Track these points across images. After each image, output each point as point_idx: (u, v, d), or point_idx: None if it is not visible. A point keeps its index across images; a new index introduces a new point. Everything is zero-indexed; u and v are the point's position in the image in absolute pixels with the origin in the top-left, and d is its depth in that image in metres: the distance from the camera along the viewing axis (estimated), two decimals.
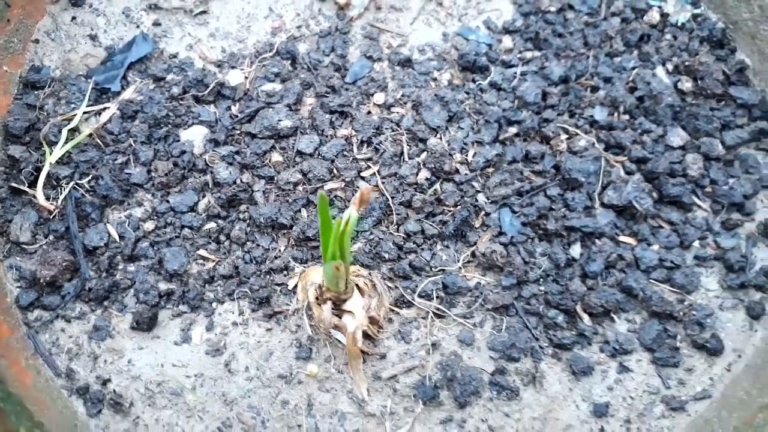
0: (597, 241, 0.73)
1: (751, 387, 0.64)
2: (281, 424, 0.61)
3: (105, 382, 0.63)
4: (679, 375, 0.68)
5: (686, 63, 0.85)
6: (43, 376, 0.62)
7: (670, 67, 0.85)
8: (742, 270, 0.73)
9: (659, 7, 0.89)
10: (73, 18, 0.83)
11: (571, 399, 0.65)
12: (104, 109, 0.78)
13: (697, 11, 0.89)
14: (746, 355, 0.68)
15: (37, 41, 0.81)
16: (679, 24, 0.88)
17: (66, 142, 0.74)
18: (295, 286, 0.68)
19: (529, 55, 0.84)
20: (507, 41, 0.85)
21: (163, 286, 0.68)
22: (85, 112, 0.77)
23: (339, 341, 0.64)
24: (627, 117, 0.81)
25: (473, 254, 0.72)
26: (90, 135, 0.76)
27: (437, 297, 0.69)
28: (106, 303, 0.67)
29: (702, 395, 0.67)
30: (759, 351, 0.67)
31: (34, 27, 0.82)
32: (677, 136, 0.80)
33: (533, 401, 0.64)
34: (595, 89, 0.82)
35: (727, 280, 0.73)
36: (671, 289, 0.72)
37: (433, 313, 0.68)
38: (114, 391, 0.62)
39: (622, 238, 0.74)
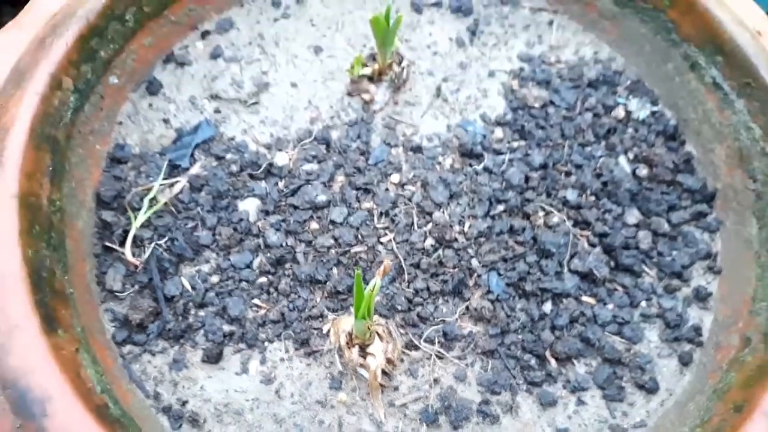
0: (564, 300, 0.91)
1: (676, 419, 0.82)
2: None
3: (183, 403, 0.81)
4: (623, 408, 0.85)
5: (644, 153, 1.03)
6: (137, 398, 0.80)
7: (630, 156, 1.03)
8: (677, 326, 0.91)
9: (624, 104, 1.08)
10: (150, 104, 1.01)
11: (539, 425, 0.83)
12: (176, 181, 0.96)
13: (656, 109, 1.07)
14: (676, 393, 0.86)
15: (120, 123, 0.99)
16: (640, 119, 1.06)
17: (147, 210, 0.93)
18: (329, 330, 0.87)
19: (515, 144, 1.02)
20: (498, 132, 1.03)
21: (226, 327, 0.86)
22: (161, 184, 0.95)
23: (363, 376, 0.82)
24: (593, 198, 0.99)
25: (467, 308, 0.90)
26: (165, 204, 0.94)
27: (438, 342, 0.88)
28: (181, 341, 0.85)
29: (640, 424, 0.84)
30: (685, 391, 0.86)
31: (118, 112, 1.00)
32: (633, 216, 0.98)
33: (510, 426, 0.83)
34: (568, 174, 1.00)
35: (665, 334, 0.91)
36: (621, 340, 0.89)
37: (435, 355, 0.87)
38: (191, 410, 0.80)
39: (584, 298, 0.90)
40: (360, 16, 1.09)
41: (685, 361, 0.87)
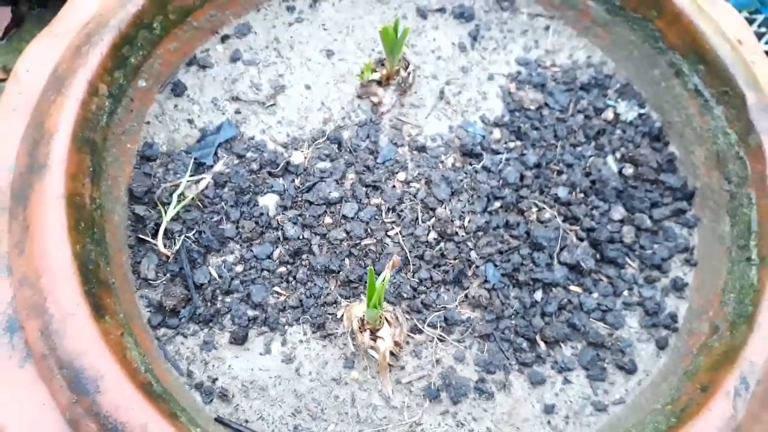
0: (553, 289, 1.00)
1: (651, 397, 0.92)
2: (334, 411, 0.90)
3: (214, 381, 0.91)
4: (605, 387, 0.96)
5: (630, 153, 1.12)
6: (173, 376, 0.90)
7: (618, 155, 1.12)
8: (656, 314, 1.01)
9: (614, 106, 1.16)
10: (175, 105, 1.09)
11: (529, 401, 0.93)
12: (202, 178, 1.05)
13: (643, 111, 1.15)
14: (652, 374, 0.96)
15: (148, 123, 1.07)
16: (627, 121, 1.15)
17: (176, 205, 1.02)
18: (342, 316, 0.96)
19: (512, 144, 1.10)
20: (497, 133, 1.11)
21: (250, 312, 0.96)
22: (188, 181, 1.04)
23: (373, 356, 0.92)
24: (582, 195, 1.08)
25: (466, 296, 1.00)
26: (192, 199, 1.03)
27: (440, 326, 0.98)
28: (210, 324, 0.95)
29: (619, 401, 0.95)
30: (660, 372, 0.96)
31: (146, 112, 1.08)
32: (618, 212, 1.07)
33: (503, 401, 0.93)
34: (560, 173, 1.09)
35: (644, 321, 1.01)
36: (604, 325, 0.99)
37: (437, 338, 0.97)
38: (221, 386, 0.90)
39: (571, 288, 1.00)
40: (369, 20, 1.16)
41: (661, 345, 0.97)
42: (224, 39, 1.13)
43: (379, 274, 0.95)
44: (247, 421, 0.87)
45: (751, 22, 1.60)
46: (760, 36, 1.69)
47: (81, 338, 0.78)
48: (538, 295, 0.99)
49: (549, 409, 0.91)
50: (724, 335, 0.88)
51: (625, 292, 1.00)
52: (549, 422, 0.91)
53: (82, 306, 0.79)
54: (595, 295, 0.99)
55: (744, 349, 0.82)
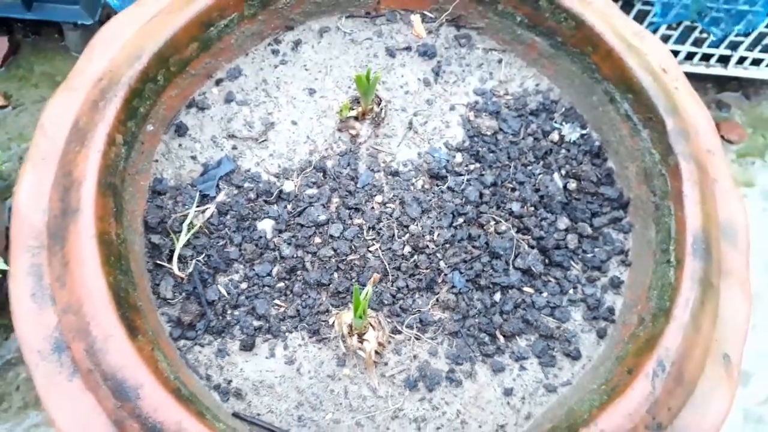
0: (510, 291, 1.18)
1: (591, 378, 1.10)
2: (330, 402, 1.07)
3: (229, 382, 1.08)
4: (554, 371, 1.14)
5: (573, 170, 1.30)
6: (195, 380, 1.07)
7: (563, 172, 1.29)
8: (596, 308, 1.19)
9: (559, 129, 1.34)
10: (179, 144, 1.25)
11: (491, 386, 1.12)
12: (207, 208, 1.20)
13: (584, 132, 1.33)
14: (593, 359, 1.15)
15: (157, 161, 1.23)
16: (571, 141, 1.33)
17: (187, 233, 1.18)
18: (333, 322, 1.14)
19: (472, 167, 1.27)
20: (459, 157, 1.28)
21: (255, 323, 1.12)
22: (195, 211, 1.21)
23: (361, 356, 1.10)
24: (532, 209, 1.25)
25: (437, 300, 1.17)
26: (200, 227, 1.20)
27: (416, 327, 1.15)
28: (223, 334, 1.12)
29: (566, 383, 1.13)
30: (599, 357, 1.14)
31: (154, 152, 1.23)
32: (563, 222, 1.25)
33: (470, 387, 1.11)
34: (513, 190, 1.27)
35: (587, 315, 1.19)
36: (553, 320, 1.17)
37: (414, 337, 1.15)
38: (235, 387, 1.07)
39: (525, 289, 1.17)
40: (345, 60, 1.32)
41: (600, 335, 1.16)
42: (218, 82, 1.29)
43: (363, 285, 1.13)
44: (258, 415, 1.05)
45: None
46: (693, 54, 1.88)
47: (120, 355, 0.95)
48: (497, 296, 1.16)
49: (508, 392, 1.10)
50: (648, 326, 1.07)
51: (571, 291, 1.18)
52: (509, 403, 1.10)
53: (119, 328, 0.96)
54: (545, 294, 1.17)
55: (662, 337, 1.01)
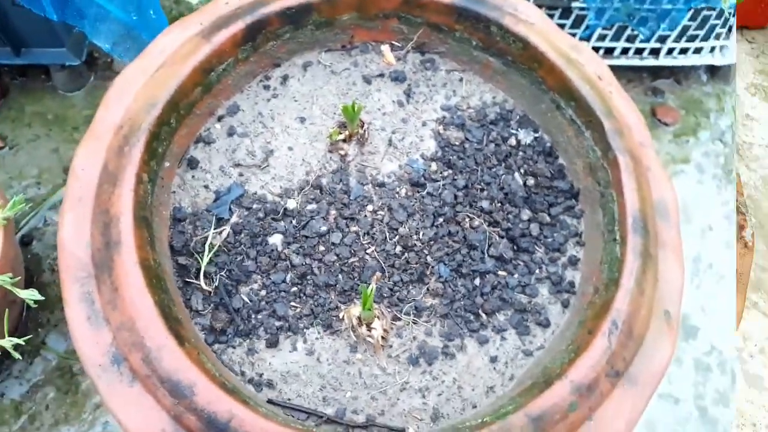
0: (487, 275, 1.39)
1: (560, 342, 1.31)
2: (348, 383, 1.27)
3: (260, 375, 1.27)
4: (530, 339, 1.36)
5: (531, 168, 1.52)
6: (233, 376, 1.27)
7: (522, 171, 1.51)
8: (559, 283, 1.41)
9: (516, 134, 1.56)
10: (192, 176, 1.43)
11: (479, 356, 1.33)
12: (223, 229, 1.39)
13: (537, 135, 1.55)
14: (560, 326, 1.37)
15: (174, 192, 1.40)
16: (526, 144, 1.55)
17: (209, 253, 1.37)
18: (343, 316, 1.34)
19: (445, 173, 1.47)
20: (434, 166, 1.49)
21: (277, 323, 1.31)
22: (213, 233, 1.39)
23: (370, 342, 1.31)
24: (500, 205, 1.46)
25: (428, 289, 1.37)
26: (219, 246, 1.39)
27: (413, 314, 1.35)
28: (250, 336, 1.30)
29: (540, 347, 1.35)
30: (566, 323, 1.36)
31: (172, 185, 1.41)
32: (526, 214, 1.46)
33: (462, 358, 1.32)
34: (482, 190, 1.47)
35: (552, 289, 1.40)
36: (524, 296, 1.39)
37: (412, 322, 1.35)
38: (266, 378, 1.26)
39: (499, 273, 1.37)
40: (328, 90, 1.52)
41: (565, 305, 1.38)
42: (220, 118, 1.47)
43: (365, 283, 1.33)
44: (289, 399, 1.25)
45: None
46: (628, 49, 2.13)
47: (174, 360, 1.13)
48: (477, 281, 1.36)
49: (494, 359, 1.32)
50: (602, 294, 1.30)
51: (537, 271, 1.37)
52: (495, 368, 1.32)
53: (170, 339, 1.14)
54: (516, 275, 1.38)
55: (614, 302, 1.22)
